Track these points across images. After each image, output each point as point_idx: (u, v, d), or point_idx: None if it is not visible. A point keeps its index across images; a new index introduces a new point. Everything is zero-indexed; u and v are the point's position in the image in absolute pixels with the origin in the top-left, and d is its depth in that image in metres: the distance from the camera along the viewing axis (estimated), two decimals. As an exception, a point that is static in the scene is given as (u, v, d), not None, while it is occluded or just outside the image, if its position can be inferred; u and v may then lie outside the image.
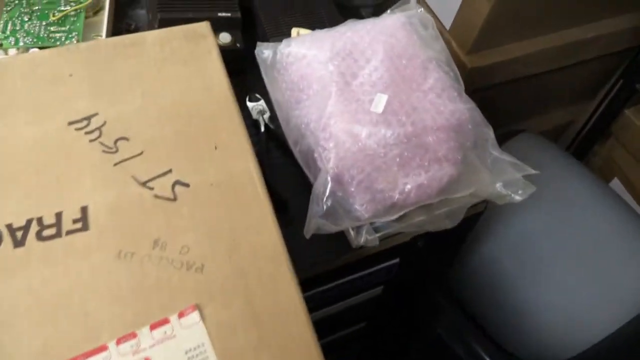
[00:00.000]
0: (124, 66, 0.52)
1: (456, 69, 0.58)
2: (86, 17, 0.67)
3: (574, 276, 0.78)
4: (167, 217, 0.43)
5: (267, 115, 0.63)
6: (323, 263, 0.56)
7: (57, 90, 0.50)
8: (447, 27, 1.00)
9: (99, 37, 0.64)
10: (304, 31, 0.66)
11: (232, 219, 0.44)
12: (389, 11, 0.64)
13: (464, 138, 0.52)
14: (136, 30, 0.71)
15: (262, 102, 0.65)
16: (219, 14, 0.66)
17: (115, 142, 0.47)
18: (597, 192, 0.93)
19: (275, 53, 0.60)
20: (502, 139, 1.07)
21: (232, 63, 0.68)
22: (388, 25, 0.58)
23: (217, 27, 0.66)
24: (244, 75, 0.67)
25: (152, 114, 0.49)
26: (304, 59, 0.56)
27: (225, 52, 0.66)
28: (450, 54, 0.59)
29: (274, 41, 0.67)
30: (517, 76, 1.05)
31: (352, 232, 0.51)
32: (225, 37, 0.67)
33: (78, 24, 0.64)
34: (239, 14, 0.67)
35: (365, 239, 0.49)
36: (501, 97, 1.12)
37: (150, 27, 0.67)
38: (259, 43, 0.62)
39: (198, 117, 0.49)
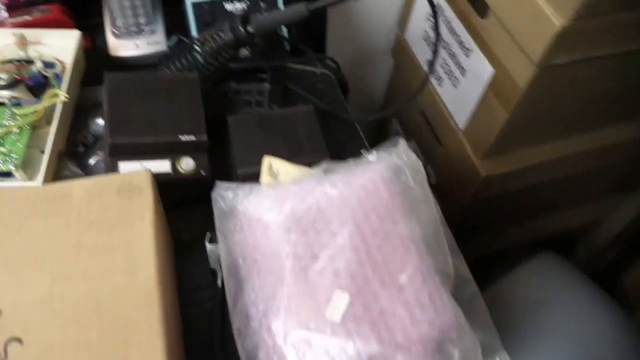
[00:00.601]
0: (39, 230, 0.44)
1: (445, 245, 0.47)
2: (36, 127, 0.59)
3: None
4: None
5: (226, 263, 0.54)
6: None
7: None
8: (461, 126, 0.89)
9: (42, 153, 0.56)
10: (277, 163, 0.57)
11: None
12: (373, 154, 0.54)
13: (445, 356, 0.41)
14: (94, 144, 0.63)
15: (222, 245, 0.55)
16: (182, 138, 0.57)
17: (6, 343, 0.39)
18: (620, 331, 0.81)
19: (233, 201, 0.51)
20: (518, 257, 0.96)
21: (195, 192, 0.59)
22: (367, 180, 0.48)
23: (181, 150, 0.58)
24: (208, 207, 0.57)
25: (57, 308, 0.40)
26: (259, 222, 0.47)
27: (188, 181, 0.58)
28: (440, 221, 0.49)
29: (243, 171, 0.58)
30: (537, 182, 0.93)
31: None
32: (188, 164, 0.58)
33: (19, 144, 0.56)
34: (204, 137, 0.58)
35: None
36: (515, 202, 1.01)
37: (104, 151, 0.59)
38: (217, 183, 0.53)
39: (111, 316, 0.40)
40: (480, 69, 0.80)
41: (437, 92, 0.95)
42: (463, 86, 0.86)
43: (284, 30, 0.73)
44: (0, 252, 0.43)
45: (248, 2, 0.70)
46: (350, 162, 0.53)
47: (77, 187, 0.46)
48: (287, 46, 0.74)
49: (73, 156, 0.62)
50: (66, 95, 0.59)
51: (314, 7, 0.57)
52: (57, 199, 0.45)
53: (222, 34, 0.61)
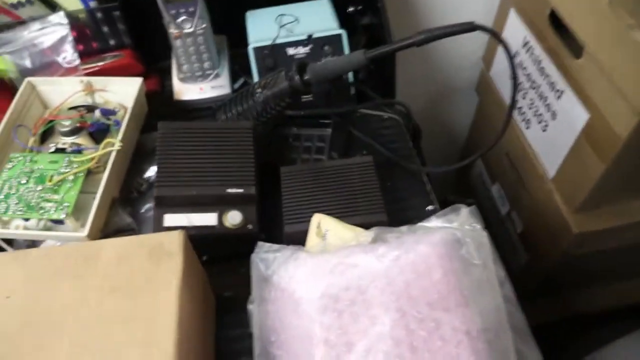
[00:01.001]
0: (66, 292, 0.42)
1: (510, 341, 0.40)
2: (92, 173, 0.59)
3: None
4: None
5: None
6: None
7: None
8: (551, 174, 0.80)
9: (94, 197, 0.56)
10: (327, 222, 0.52)
11: None
12: (432, 220, 0.48)
13: None
14: (148, 191, 0.62)
15: (264, 308, 0.51)
16: (229, 190, 0.55)
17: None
18: None
19: (271, 267, 0.47)
20: (611, 326, 0.83)
21: (242, 246, 0.56)
22: (419, 257, 0.42)
23: (228, 203, 0.55)
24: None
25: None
26: (292, 297, 0.42)
27: (234, 235, 0.55)
28: (505, 307, 0.41)
29: (289, 229, 0.54)
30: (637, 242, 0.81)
31: None
32: (234, 217, 0.55)
33: (72, 192, 0.56)
34: (253, 190, 0.55)
35: None
36: (607, 261, 0.88)
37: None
38: (259, 244, 0.49)
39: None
40: (573, 114, 0.71)
41: (523, 134, 0.86)
42: (553, 131, 0.77)
43: (349, 73, 0.69)
44: (28, 310, 0.42)
45: (311, 46, 0.66)
46: (404, 229, 0.47)
47: (108, 247, 0.44)
48: (352, 90, 0.70)
49: (127, 202, 0.62)
50: (120, 142, 0.59)
51: (372, 55, 0.53)
52: (87, 260, 0.44)
53: (278, 82, 0.58)
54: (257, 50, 0.66)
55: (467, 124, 1.08)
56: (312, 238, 0.52)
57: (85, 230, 0.54)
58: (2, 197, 0.56)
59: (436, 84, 0.98)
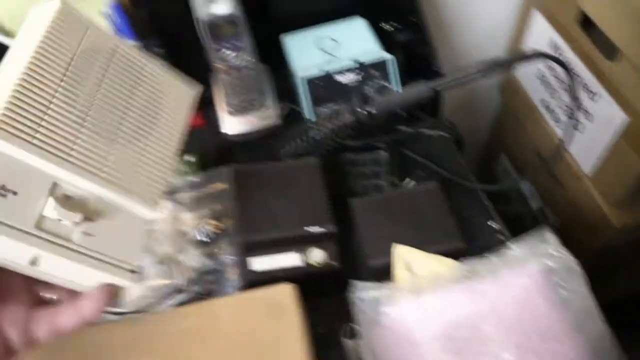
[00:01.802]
0: (189, 355, 0.43)
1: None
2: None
3: None
4: None
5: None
6: None
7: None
8: (587, 172, 0.82)
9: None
10: (410, 253, 0.54)
11: None
12: (518, 247, 0.50)
13: None
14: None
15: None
16: (308, 229, 0.56)
17: None
18: None
19: (375, 307, 0.48)
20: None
21: (326, 283, 0.58)
22: (521, 290, 0.45)
23: (309, 241, 0.57)
24: (341, 297, 0.55)
25: None
26: (408, 339, 0.44)
27: (320, 273, 0.57)
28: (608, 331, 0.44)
29: (374, 263, 0.56)
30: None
31: None
32: (317, 255, 0.56)
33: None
34: (331, 227, 0.56)
35: None
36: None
37: (233, 246, 0.59)
38: (353, 283, 0.51)
39: None
40: (609, 115, 0.74)
41: (556, 133, 0.88)
42: (589, 132, 0.79)
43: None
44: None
45: (361, 73, 0.67)
46: (494, 259, 0.49)
47: (224, 306, 0.46)
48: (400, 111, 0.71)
49: (198, 245, 0.63)
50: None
51: (436, 86, 0.54)
52: (207, 320, 0.45)
53: (342, 117, 0.59)
54: (307, 80, 0.67)
55: (485, 125, 1.10)
56: (400, 272, 0.54)
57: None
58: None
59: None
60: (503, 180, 1.08)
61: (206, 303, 0.47)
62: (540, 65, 0.87)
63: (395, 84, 0.69)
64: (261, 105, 0.72)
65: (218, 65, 0.68)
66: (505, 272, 0.47)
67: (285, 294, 0.46)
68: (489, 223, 0.64)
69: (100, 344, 0.44)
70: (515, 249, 0.50)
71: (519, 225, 0.75)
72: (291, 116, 0.76)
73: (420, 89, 0.55)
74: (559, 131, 0.87)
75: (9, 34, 0.69)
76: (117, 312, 0.56)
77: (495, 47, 0.96)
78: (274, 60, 0.76)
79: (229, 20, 0.61)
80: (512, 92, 0.98)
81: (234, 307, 0.46)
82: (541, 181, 0.95)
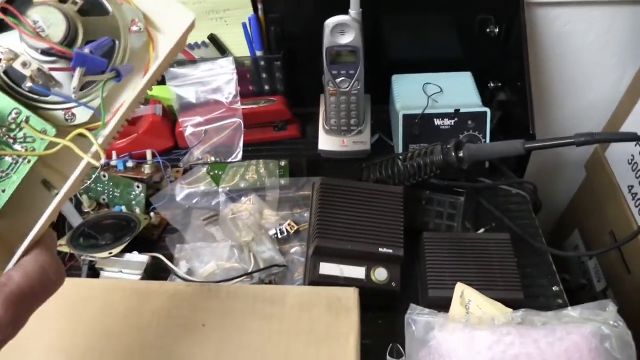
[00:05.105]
0: (255, 331, 0.49)
1: None
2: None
3: None
4: None
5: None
6: None
7: (187, 338, 0.48)
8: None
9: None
10: (470, 293, 0.57)
11: None
12: (577, 309, 0.52)
13: None
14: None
15: (405, 362, 0.57)
16: (380, 250, 0.60)
17: None
18: None
19: (426, 330, 0.52)
20: None
21: (383, 301, 0.62)
22: (572, 346, 0.47)
23: (376, 260, 0.61)
24: (395, 317, 0.59)
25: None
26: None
27: (378, 290, 0.61)
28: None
29: (434, 294, 0.60)
30: None
31: None
32: (381, 274, 0.61)
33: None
34: (401, 252, 0.60)
35: None
36: None
37: (308, 248, 0.64)
38: (412, 307, 0.55)
39: None
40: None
41: (634, 217, 0.88)
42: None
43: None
44: (221, 340, 0.48)
45: (457, 120, 0.72)
46: (550, 315, 0.52)
47: (291, 294, 0.51)
48: (487, 164, 0.75)
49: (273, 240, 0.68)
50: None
51: (531, 147, 0.57)
52: (274, 303, 0.50)
53: (433, 155, 0.64)
54: (407, 117, 0.72)
55: (565, 198, 1.11)
56: (456, 306, 0.57)
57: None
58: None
59: (546, 154, 1.02)
60: (571, 256, 1.08)
61: (277, 287, 0.52)
62: (634, 151, 0.88)
63: (487, 137, 0.72)
64: (357, 131, 0.78)
65: (329, 87, 0.74)
66: (560, 328, 0.49)
67: (349, 296, 0.50)
68: (553, 288, 0.66)
69: (185, 302, 0.50)
70: (574, 311, 0.52)
71: (578, 301, 0.75)
72: (380, 146, 0.81)
73: (515, 145, 0.59)
74: (639, 218, 0.87)
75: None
76: (192, 280, 0.62)
77: (591, 122, 0.98)
78: (378, 94, 0.82)
79: (351, 50, 0.68)
80: (597, 171, 0.99)
81: (301, 297, 0.50)
82: (608, 263, 0.94)
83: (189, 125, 0.79)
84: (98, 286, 0.55)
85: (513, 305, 0.56)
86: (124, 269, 0.64)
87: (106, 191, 0.74)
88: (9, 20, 0.32)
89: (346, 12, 0.67)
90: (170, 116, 0.84)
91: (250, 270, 0.63)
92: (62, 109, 0.35)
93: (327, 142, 0.79)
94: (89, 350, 0.48)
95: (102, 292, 0.53)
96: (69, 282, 0.57)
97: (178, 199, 0.72)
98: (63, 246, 0.66)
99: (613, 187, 0.94)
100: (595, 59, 0.89)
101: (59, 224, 0.71)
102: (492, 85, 0.82)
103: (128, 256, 0.65)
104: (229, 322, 0.49)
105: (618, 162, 0.93)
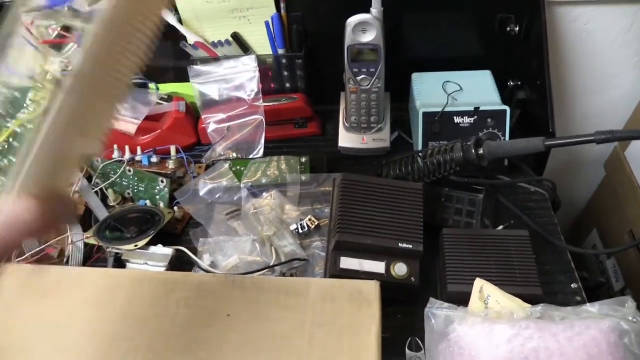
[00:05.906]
0: (279, 321, 0.50)
1: None
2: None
3: None
4: None
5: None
6: None
7: (212, 328, 0.50)
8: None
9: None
10: (489, 288, 0.58)
11: None
12: (596, 305, 0.52)
13: None
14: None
15: (422, 355, 0.58)
16: (400, 245, 0.61)
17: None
18: None
19: (445, 323, 0.53)
20: None
21: (401, 295, 0.63)
22: (591, 340, 0.47)
23: (396, 255, 0.62)
24: (414, 311, 0.60)
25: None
26: (474, 355, 0.48)
27: (398, 285, 0.62)
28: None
29: (453, 289, 0.60)
30: None
31: None
32: (401, 269, 0.61)
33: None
34: (421, 248, 0.61)
35: None
36: None
37: (329, 242, 0.65)
38: (431, 301, 0.56)
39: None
40: None
41: (654, 219, 0.88)
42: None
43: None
44: (247, 330, 0.49)
45: (476, 117, 0.72)
46: (569, 310, 0.52)
47: (314, 286, 0.52)
48: (506, 161, 0.75)
49: (294, 235, 0.70)
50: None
51: (551, 144, 0.58)
52: (297, 295, 0.51)
53: (453, 153, 0.64)
54: (427, 115, 0.73)
55: (584, 197, 1.10)
56: (475, 301, 0.58)
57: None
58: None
59: (566, 153, 1.02)
60: (588, 255, 1.07)
61: (300, 279, 0.53)
62: (652, 149, 0.88)
63: (506, 135, 0.73)
64: (377, 128, 0.79)
65: (349, 85, 0.75)
66: (579, 323, 0.50)
67: (370, 289, 0.52)
68: (571, 285, 0.66)
69: (208, 290, 0.52)
70: (593, 307, 0.53)
71: (596, 299, 0.76)
72: (399, 144, 0.82)
73: (535, 143, 0.59)
74: (659, 218, 0.87)
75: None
76: (215, 273, 0.64)
77: (611, 121, 0.98)
78: (397, 92, 0.83)
79: (372, 48, 0.69)
80: (617, 171, 0.98)
81: (324, 289, 0.52)
82: (627, 262, 0.94)
83: (212, 122, 0.81)
84: (125, 276, 0.57)
85: (531, 301, 0.56)
86: (149, 261, 0.66)
87: (131, 185, 0.76)
88: None
89: (367, 11, 0.68)
90: (193, 113, 0.86)
91: (272, 264, 0.65)
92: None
93: (347, 139, 0.80)
94: (117, 338, 0.50)
95: (130, 281, 0.55)
96: (97, 271, 0.59)
97: (201, 193, 0.74)
98: (90, 238, 0.68)
99: (633, 187, 0.93)
100: (616, 58, 0.89)
101: (86, 217, 0.73)
102: (512, 83, 0.82)
103: (153, 249, 0.67)
104: (253, 312, 0.51)
105: (638, 161, 0.93)
